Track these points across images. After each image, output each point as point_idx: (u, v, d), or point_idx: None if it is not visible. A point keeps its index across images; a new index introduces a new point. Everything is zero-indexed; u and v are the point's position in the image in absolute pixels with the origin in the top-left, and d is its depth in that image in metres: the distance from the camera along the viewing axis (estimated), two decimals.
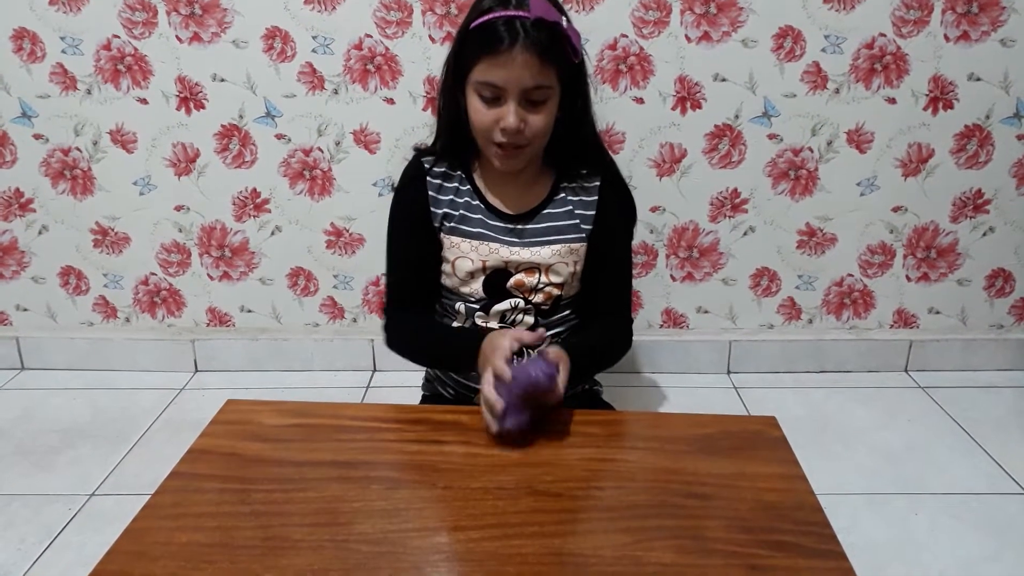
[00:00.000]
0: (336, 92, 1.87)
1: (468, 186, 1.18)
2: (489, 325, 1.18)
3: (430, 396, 1.31)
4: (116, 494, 1.60)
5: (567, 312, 1.22)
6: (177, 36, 1.83)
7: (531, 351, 1.00)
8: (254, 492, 0.84)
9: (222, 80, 1.86)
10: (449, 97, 1.13)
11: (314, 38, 1.82)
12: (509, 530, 0.78)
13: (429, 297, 1.23)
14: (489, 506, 0.82)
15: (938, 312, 2.10)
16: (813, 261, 2.04)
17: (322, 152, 1.93)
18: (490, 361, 0.97)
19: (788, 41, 1.81)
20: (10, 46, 1.84)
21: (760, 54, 1.82)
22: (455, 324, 1.21)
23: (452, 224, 1.17)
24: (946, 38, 1.81)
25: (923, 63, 1.83)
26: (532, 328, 1.16)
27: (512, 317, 1.19)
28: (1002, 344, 2.10)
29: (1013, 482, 1.64)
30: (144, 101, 1.88)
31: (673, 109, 1.87)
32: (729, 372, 2.11)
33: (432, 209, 1.17)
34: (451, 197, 1.17)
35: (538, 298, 1.18)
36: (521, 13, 1.01)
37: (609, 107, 1.85)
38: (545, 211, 1.18)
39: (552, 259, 1.16)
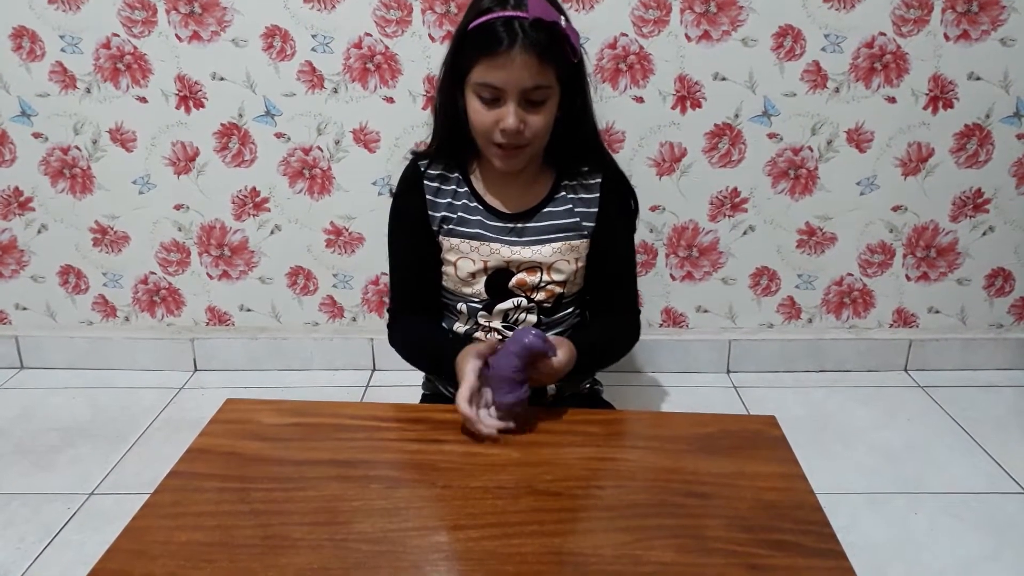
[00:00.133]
0: (336, 91, 1.87)
1: (465, 188, 1.18)
2: (492, 325, 1.18)
3: (430, 395, 1.31)
4: (115, 493, 1.60)
5: (570, 310, 1.22)
6: (176, 35, 1.83)
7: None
8: (253, 491, 0.84)
9: (221, 79, 1.86)
10: (447, 97, 1.12)
11: (314, 37, 1.82)
12: (509, 529, 0.78)
13: (432, 300, 1.23)
14: (489, 505, 0.82)
15: (938, 311, 2.10)
16: (813, 260, 2.04)
17: (322, 151, 1.92)
18: (462, 371, 0.98)
19: (788, 40, 1.81)
20: (9, 44, 1.84)
21: (760, 53, 1.82)
22: (458, 324, 1.21)
23: (451, 226, 1.17)
24: (946, 37, 1.81)
25: (923, 62, 1.83)
26: (535, 326, 1.16)
27: (515, 316, 1.19)
28: (1002, 343, 2.10)
29: (1013, 481, 1.64)
30: (143, 100, 1.88)
31: (673, 108, 1.87)
32: (729, 371, 2.11)
33: (430, 212, 1.17)
34: (449, 200, 1.17)
35: (540, 296, 1.18)
36: (519, 13, 1.01)
37: (609, 106, 1.85)
38: (545, 209, 1.17)
39: (553, 257, 1.16)
